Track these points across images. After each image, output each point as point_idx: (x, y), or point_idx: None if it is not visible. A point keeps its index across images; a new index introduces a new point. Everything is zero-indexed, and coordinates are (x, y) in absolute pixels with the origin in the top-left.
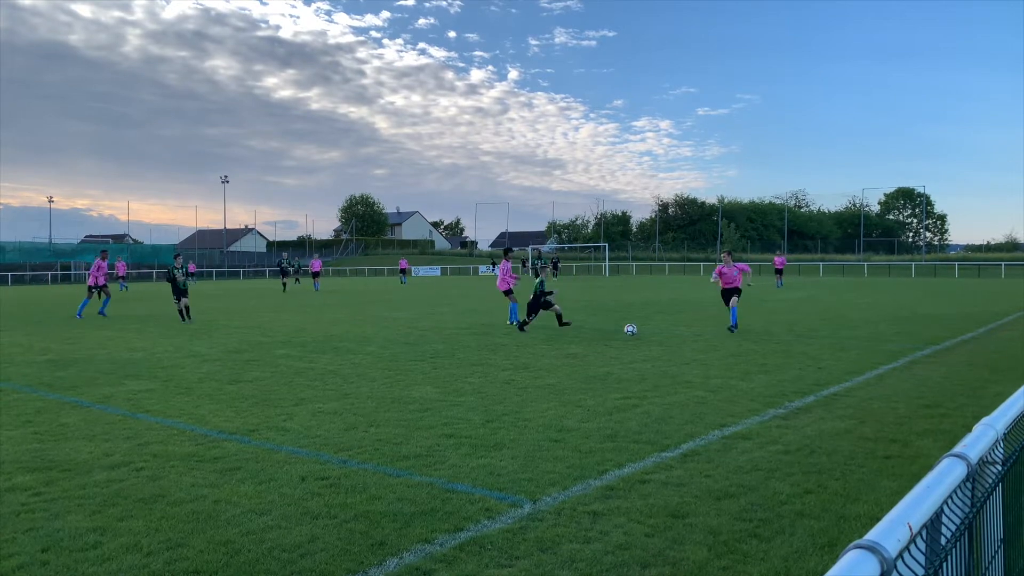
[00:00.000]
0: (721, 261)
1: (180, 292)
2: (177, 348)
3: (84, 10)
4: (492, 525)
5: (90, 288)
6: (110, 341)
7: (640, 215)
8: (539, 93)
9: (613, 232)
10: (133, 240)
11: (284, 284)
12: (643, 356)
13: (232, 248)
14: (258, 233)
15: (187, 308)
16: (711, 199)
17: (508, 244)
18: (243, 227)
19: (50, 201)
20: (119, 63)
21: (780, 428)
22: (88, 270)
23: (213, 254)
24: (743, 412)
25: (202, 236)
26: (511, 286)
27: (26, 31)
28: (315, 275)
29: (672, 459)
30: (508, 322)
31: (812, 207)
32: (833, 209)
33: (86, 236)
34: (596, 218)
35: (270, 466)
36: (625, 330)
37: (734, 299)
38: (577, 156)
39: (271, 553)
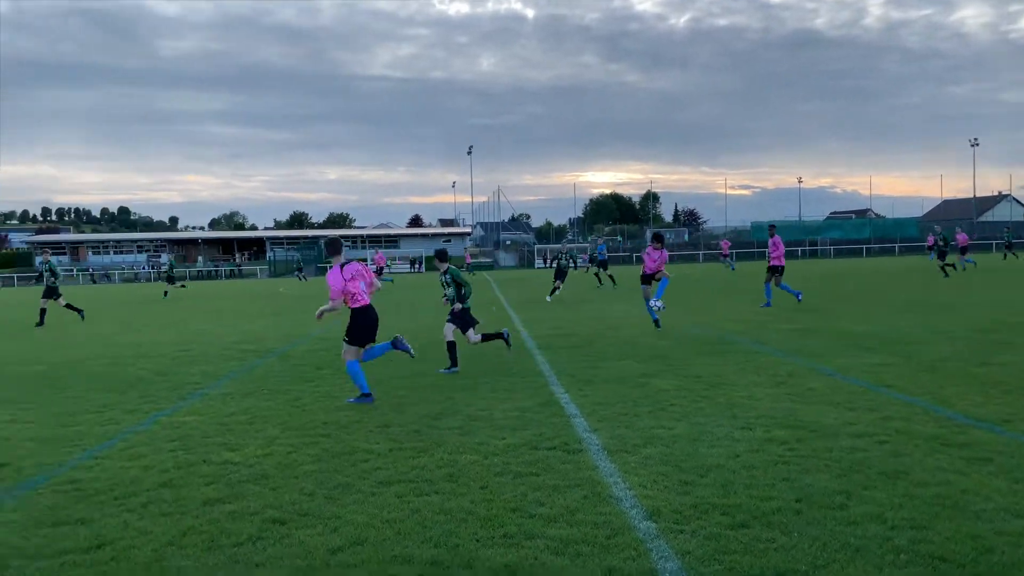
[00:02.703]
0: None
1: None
2: (920, 325)
3: None
4: None
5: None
6: (849, 316)
7: None
8: None
9: None
10: (876, 215)
11: (944, 268)
12: None
13: (983, 218)
14: (1015, 200)
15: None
16: None
17: None
18: (996, 194)
19: (799, 181)
20: (859, 36)
21: None
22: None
23: (961, 224)
24: None
25: (948, 207)
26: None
27: (777, 26)
28: (962, 251)
29: None
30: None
31: None
32: None
33: (830, 213)
34: None
35: None
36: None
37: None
38: None
39: None
